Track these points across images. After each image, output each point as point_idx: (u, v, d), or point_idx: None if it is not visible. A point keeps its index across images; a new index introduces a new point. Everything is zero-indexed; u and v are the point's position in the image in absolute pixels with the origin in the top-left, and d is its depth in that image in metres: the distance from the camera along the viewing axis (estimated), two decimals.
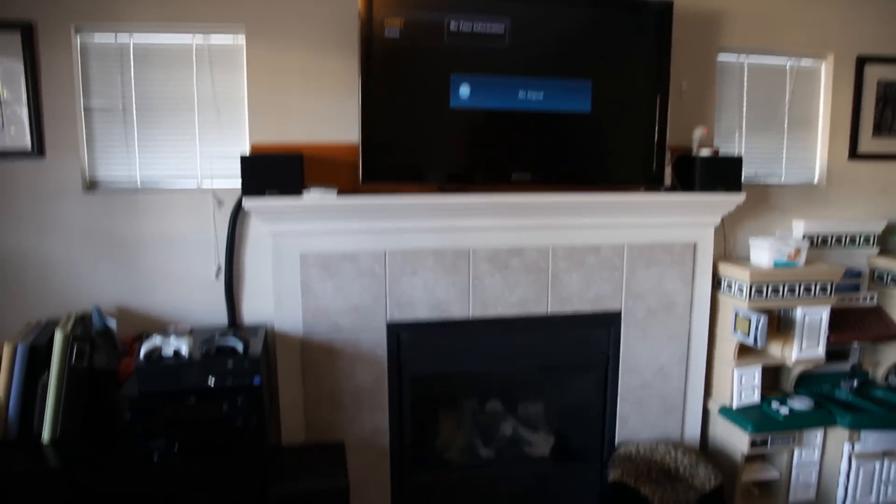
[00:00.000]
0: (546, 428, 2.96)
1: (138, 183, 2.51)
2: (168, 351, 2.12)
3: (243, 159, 2.24)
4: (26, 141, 2.38)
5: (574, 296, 2.65)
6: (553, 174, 2.54)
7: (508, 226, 2.53)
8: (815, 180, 3.11)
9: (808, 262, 2.77)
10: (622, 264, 2.68)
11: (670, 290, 2.74)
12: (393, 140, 2.37)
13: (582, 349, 2.74)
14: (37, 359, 2.18)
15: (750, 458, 2.79)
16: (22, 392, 2.18)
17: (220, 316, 2.55)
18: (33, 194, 2.41)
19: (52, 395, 2.15)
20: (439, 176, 2.43)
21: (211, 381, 2.11)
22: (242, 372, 2.12)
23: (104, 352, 2.31)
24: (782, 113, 3.04)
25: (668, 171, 2.66)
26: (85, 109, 2.44)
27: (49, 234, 2.45)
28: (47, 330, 2.28)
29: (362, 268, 2.44)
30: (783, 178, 3.08)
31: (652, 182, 2.63)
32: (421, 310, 2.51)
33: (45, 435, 2.18)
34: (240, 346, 2.15)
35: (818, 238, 3.00)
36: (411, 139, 2.40)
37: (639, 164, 2.62)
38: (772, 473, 2.83)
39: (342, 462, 2.36)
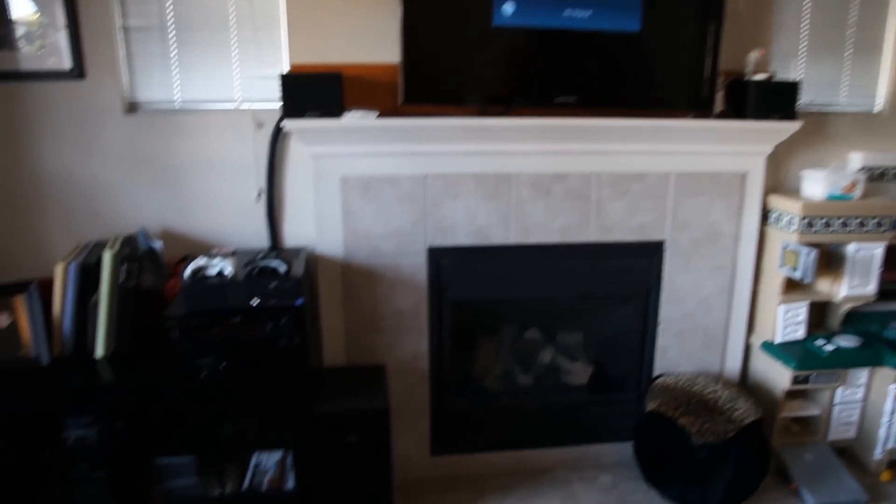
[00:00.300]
0: (584, 357, 2.95)
1: (178, 104, 2.50)
2: (213, 271, 2.15)
3: (283, 77, 2.20)
4: (66, 63, 2.37)
5: (617, 224, 2.59)
6: (599, 97, 2.45)
7: (552, 151, 2.47)
8: (876, 109, 2.95)
9: (864, 195, 2.65)
10: (667, 193, 2.60)
11: (716, 221, 2.67)
12: (434, 60, 2.30)
13: (623, 279, 2.70)
14: (87, 278, 2.23)
15: (791, 394, 2.76)
16: (75, 310, 2.24)
17: (261, 239, 2.57)
18: (75, 117, 2.42)
19: (104, 312, 2.21)
20: (481, 98, 2.36)
21: (254, 302, 2.14)
22: (285, 293, 2.14)
23: (151, 272, 2.35)
24: (845, 36, 2.86)
25: (719, 96, 2.55)
26: (123, 29, 2.42)
27: (92, 156, 2.47)
28: (96, 251, 2.33)
29: (403, 191, 2.42)
30: (842, 106, 2.93)
31: (702, 108, 2.52)
32: (462, 235, 2.49)
33: (98, 351, 2.25)
34: (282, 268, 2.16)
35: (876, 171, 2.87)
36: (453, 59, 2.33)
37: (689, 89, 2.51)
38: (812, 410, 2.79)
39: (383, 384, 2.40)
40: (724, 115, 2.57)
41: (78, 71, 2.37)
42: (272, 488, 2.36)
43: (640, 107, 2.49)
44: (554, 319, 2.98)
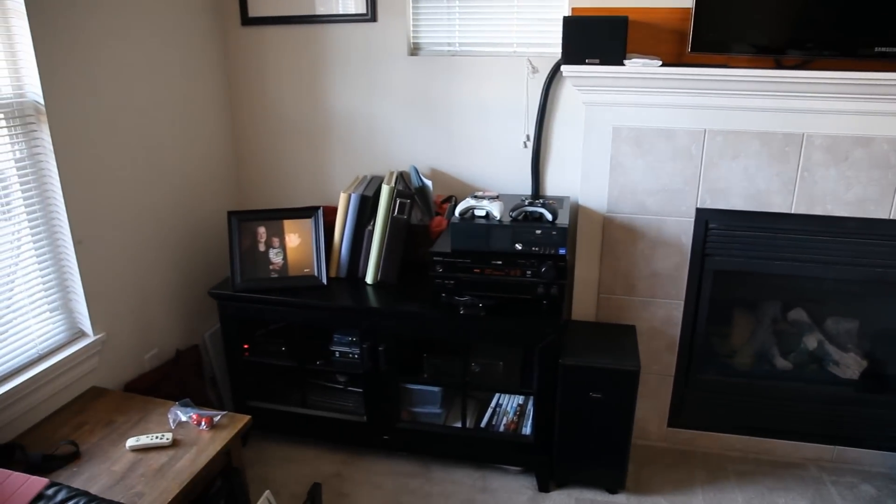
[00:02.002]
0: (858, 349, 2.60)
1: (456, 47, 2.57)
2: (480, 213, 2.20)
3: (566, 20, 2.14)
4: (362, 7, 2.54)
5: None
6: None
7: (857, 110, 2.14)
8: None
9: None
10: None
11: None
12: (728, 4, 2.09)
13: None
14: (365, 208, 2.41)
15: None
16: (352, 237, 2.44)
17: (523, 185, 2.59)
18: (365, 56, 2.60)
19: (377, 242, 2.38)
20: (778, 46, 2.11)
21: (518, 246, 2.16)
22: (549, 240, 2.13)
23: (419, 209, 2.48)
24: None
25: None
26: None
27: (376, 95, 2.65)
28: (372, 184, 2.50)
29: (677, 146, 2.26)
30: None
31: None
32: (736, 199, 2.28)
33: (368, 277, 2.43)
34: (548, 215, 2.15)
35: None
36: (751, 3, 2.10)
37: None
38: None
39: (634, 345, 2.32)
40: None
41: (371, 14, 2.53)
42: (509, 430, 2.43)
43: None
44: (826, 302, 2.64)
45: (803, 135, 2.20)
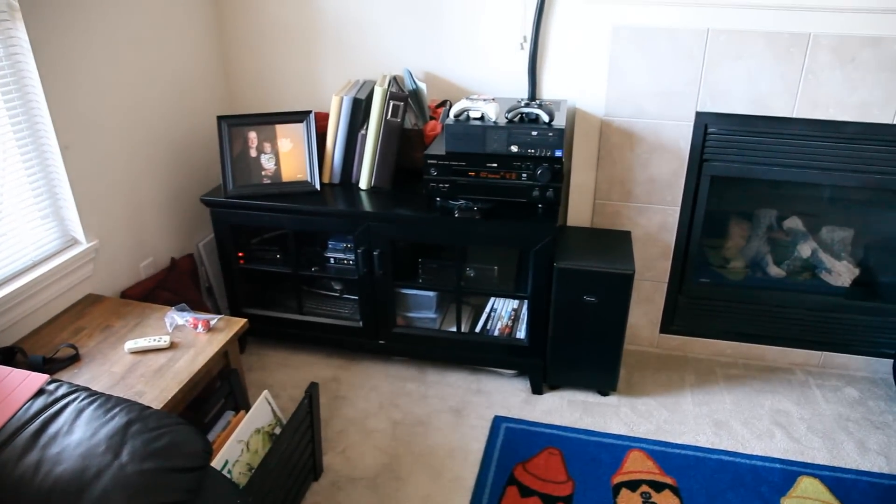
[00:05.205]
0: (850, 257, 2.62)
1: None
2: (475, 114, 2.15)
3: None
4: None
5: None
6: None
7: (869, 7, 2.05)
8: None
9: None
10: None
11: None
12: None
13: None
14: (358, 112, 2.35)
15: None
16: (346, 141, 2.39)
17: (519, 89, 2.51)
18: None
19: (370, 145, 2.33)
20: None
21: (513, 149, 2.12)
22: (546, 142, 2.09)
23: (413, 112, 2.42)
24: None
25: None
26: None
27: None
28: (365, 88, 2.43)
29: (679, 47, 2.18)
30: None
31: None
32: (737, 102, 2.22)
33: (362, 183, 2.40)
34: (545, 117, 2.10)
35: None
36: None
37: None
38: None
39: (629, 250, 2.32)
40: None
41: None
42: (503, 335, 2.46)
43: None
44: (822, 210, 2.63)
45: (810, 35, 2.12)
